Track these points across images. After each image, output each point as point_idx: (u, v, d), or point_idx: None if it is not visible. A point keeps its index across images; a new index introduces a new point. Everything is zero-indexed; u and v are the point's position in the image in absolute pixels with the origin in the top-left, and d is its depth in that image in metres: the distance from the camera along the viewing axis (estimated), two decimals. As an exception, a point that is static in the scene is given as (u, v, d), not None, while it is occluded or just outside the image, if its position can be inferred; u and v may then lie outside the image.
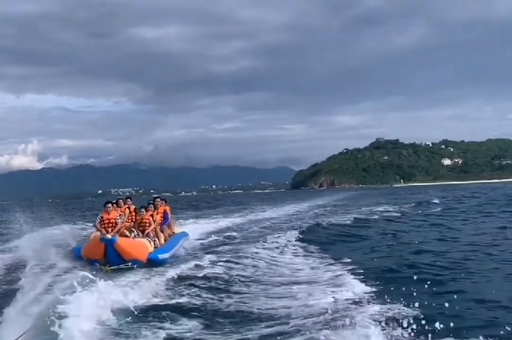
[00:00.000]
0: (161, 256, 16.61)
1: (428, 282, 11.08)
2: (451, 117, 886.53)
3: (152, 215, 18.96)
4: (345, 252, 18.38)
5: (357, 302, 10.38)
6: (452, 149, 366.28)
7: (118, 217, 17.45)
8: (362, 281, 12.53)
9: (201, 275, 13.97)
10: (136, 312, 9.97)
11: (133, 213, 19.20)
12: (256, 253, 18.22)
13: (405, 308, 9.62)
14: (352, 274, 13.60)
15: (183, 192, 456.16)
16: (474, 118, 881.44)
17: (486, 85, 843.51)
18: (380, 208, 45.14)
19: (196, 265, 15.52)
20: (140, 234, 17.98)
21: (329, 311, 9.58)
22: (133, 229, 18.46)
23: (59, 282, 12.71)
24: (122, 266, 15.40)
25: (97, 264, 15.56)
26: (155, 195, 22.14)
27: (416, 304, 9.45)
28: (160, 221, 19.54)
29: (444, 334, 7.99)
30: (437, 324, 7.90)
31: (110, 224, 17.21)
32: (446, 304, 9.31)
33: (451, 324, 8.01)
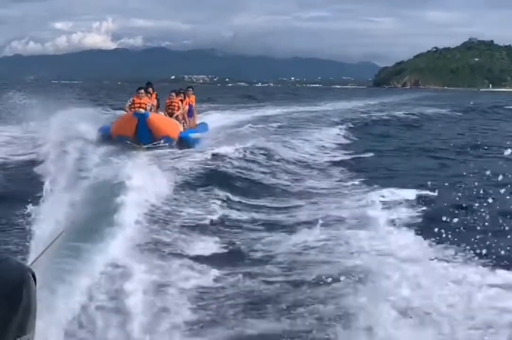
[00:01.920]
0: (193, 135, 16.98)
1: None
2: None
3: (181, 100, 18.92)
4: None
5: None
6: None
7: (149, 104, 17.18)
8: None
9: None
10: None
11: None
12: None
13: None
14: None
15: (259, 83, 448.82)
16: None
17: None
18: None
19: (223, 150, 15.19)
20: (167, 116, 18.00)
21: None
22: (160, 112, 18.32)
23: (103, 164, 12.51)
24: (154, 144, 15.53)
25: (128, 142, 15.52)
26: (188, 85, 22.23)
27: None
28: (187, 109, 19.54)
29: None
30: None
31: (140, 108, 16.85)
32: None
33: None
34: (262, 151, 15.67)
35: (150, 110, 17.16)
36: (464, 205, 9.47)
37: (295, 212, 9.67)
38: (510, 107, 55.89)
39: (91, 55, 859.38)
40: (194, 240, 7.86)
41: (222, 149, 15.17)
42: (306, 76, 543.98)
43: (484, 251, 6.61)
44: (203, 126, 19.95)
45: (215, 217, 9.01)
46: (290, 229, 8.58)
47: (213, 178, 11.62)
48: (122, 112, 18.94)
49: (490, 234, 7.32)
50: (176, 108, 18.27)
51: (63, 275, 5.74)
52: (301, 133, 22.17)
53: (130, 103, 17.52)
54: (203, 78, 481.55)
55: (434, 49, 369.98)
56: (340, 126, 25.14)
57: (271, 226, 8.74)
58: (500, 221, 8.03)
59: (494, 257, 6.64)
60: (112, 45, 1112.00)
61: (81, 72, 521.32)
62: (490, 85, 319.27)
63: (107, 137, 16.20)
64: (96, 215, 8.09)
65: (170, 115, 17.96)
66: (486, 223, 7.56)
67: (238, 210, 9.65)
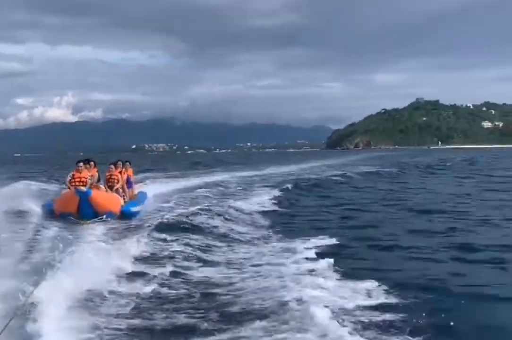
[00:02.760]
0: (133, 208, 17.13)
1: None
2: (496, 78, 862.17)
3: (120, 172, 19.28)
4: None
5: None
6: (493, 112, 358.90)
7: (89, 178, 17.47)
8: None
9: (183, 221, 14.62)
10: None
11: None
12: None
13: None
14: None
15: (218, 149, 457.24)
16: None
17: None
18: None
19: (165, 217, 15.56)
20: (109, 190, 18.17)
21: None
22: (100, 185, 18.51)
23: (43, 242, 11.94)
24: (97, 219, 15.67)
25: (72, 218, 15.68)
26: (125, 160, 21.58)
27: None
28: (125, 180, 19.91)
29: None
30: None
31: (81, 183, 17.22)
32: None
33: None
34: (204, 212, 16.49)
35: (91, 184, 17.44)
36: (370, 250, 11.71)
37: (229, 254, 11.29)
38: (445, 163, 61.02)
39: (53, 128, 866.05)
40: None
41: (168, 215, 15.80)
42: (263, 141, 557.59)
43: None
44: (142, 196, 20.23)
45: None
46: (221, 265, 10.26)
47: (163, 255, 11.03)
48: (64, 188, 18.74)
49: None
50: (116, 181, 18.59)
51: None
52: (241, 195, 23.82)
53: (70, 178, 17.60)
54: (162, 147, 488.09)
55: (383, 111, 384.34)
56: (279, 188, 26.65)
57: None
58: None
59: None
60: (73, 118, 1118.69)
61: (44, 145, 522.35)
62: (439, 142, 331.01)
63: (50, 213, 16.32)
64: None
65: (110, 187, 18.25)
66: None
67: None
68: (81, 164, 17.72)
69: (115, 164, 19.29)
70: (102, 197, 16.46)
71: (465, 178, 35.28)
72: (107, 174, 18.72)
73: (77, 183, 17.14)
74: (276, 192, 24.32)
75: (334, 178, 35.60)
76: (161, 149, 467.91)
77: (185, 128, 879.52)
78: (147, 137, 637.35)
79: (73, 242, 11.15)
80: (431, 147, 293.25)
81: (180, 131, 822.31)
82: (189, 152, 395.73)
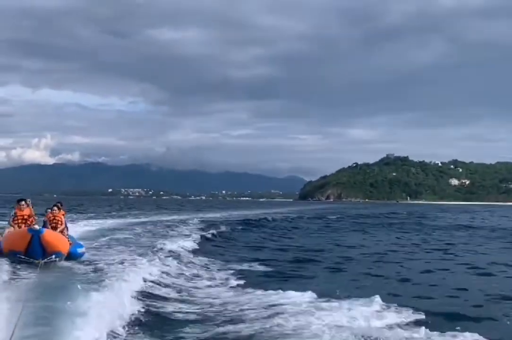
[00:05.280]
0: (80, 250, 17.22)
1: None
2: (464, 136, 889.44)
3: (63, 215, 19.07)
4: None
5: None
6: (460, 170, 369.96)
7: (32, 216, 17.98)
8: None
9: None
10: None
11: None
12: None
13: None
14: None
15: (192, 196, 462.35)
16: (486, 140, 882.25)
17: (504, 107, 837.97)
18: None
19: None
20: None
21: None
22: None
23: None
24: (46, 259, 15.18)
25: (22, 257, 15.23)
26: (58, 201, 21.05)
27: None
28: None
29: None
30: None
31: (24, 221, 17.64)
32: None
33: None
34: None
35: (31, 222, 17.46)
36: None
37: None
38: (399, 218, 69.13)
39: (30, 170, 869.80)
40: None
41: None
42: (237, 189, 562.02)
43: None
44: (73, 238, 19.09)
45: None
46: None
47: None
48: (7, 226, 18.30)
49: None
50: (59, 222, 18.15)
51: None
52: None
53: (13, 216, 17.66)
54: (138, 191, 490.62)
55: (355, 165, 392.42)
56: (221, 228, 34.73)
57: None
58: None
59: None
60: (50, 160, 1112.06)
61: (21, 186, 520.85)
62: (408, 197, 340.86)
63: None
64: None
65: (54, 229, 17.58)
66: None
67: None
68: (23, 202, 17.98)
69: (58, 206, 18.68)
70: (53, 237, 15.90)
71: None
72: (51, 215, 18.18)
73: (19, 221, 17.58)
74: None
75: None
76: (137, 194, 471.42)
77: (161, 174, 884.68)
78: (123, 182, 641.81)
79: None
80: (400, 202, 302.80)
81: (157, 176, 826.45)
82: (165, 197, 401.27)
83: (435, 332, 8.79)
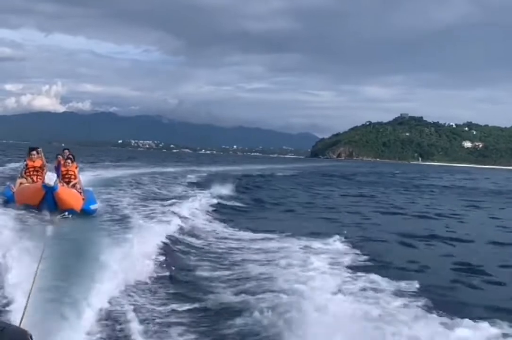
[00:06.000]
0: (93, 206, 16.82)
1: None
2: (481, 99, 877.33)
3: (76, 167, 18.28)
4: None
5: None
6: (474, 132, 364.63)
7: (44, 168, 17.66)
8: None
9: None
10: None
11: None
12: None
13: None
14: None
15: (203, 150, 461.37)
16: (503, 102, 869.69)
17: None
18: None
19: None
20: (65, 185, 17.06)
21: None
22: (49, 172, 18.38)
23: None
24: (60, 216, 15.12)
25: (37, 211, 15.35)
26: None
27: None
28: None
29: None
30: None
31: (35, 172, 17.43)
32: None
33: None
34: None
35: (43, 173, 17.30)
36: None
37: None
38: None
39: (40, 117, 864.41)
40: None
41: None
42: (249, 145, 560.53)
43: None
44: (91, 193, 18.83)
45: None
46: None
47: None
48: (18, 176, 18.22)
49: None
50: (73, 177, 17.55)
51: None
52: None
53: (24, 167, 17.39)
54: (149, 144, 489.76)
55: (368, 123, 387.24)
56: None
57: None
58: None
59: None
60: (61, 108, 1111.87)
61: (30, 133, 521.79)
62: (420, 158, 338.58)
63: (10, 202, 16.15)
64: None
65: (67, 183, 17.27)
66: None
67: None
68: (34, 152, 17.64)
69: (71, 159, 17.84)
70: (67, 193, 16.07)
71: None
72: (63, 169, 17.60)
73: (31, 173, 17.40)
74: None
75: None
76: (147, 146, 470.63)
77: (172, 126, 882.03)
78: (134, 133, 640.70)
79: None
80: (411, 162, 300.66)
81: (168, 129, 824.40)
82: (175, 150, 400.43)
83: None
